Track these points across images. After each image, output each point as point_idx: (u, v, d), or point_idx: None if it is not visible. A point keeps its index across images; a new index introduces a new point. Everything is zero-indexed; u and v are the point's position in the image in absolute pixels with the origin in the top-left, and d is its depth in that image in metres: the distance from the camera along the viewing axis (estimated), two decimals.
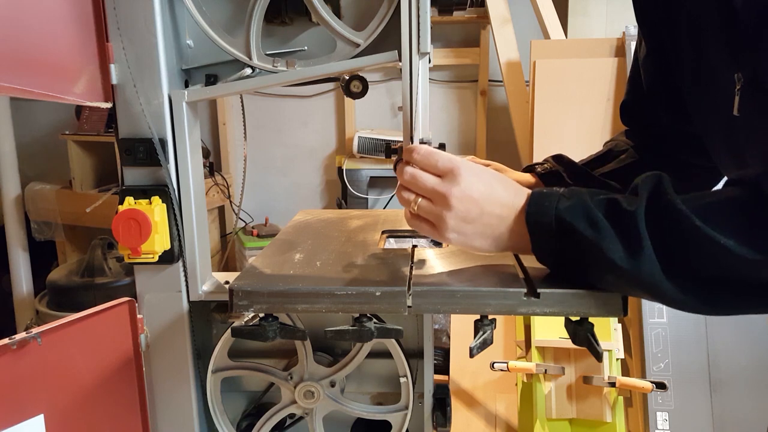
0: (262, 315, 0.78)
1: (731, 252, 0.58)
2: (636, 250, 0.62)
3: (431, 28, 0.78)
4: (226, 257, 3.18)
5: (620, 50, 2.21)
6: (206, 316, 0.94)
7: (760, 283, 0.60)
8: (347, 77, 0.84)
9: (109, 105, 0.84)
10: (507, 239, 0.70)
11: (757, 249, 0.58)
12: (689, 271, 0.62)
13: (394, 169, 0.77)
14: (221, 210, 3.20)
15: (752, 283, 0.60)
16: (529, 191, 0.70)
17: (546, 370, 1.52)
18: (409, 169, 0.72)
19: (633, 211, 0.63)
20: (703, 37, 0.73)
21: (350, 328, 0.76)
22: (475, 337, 0.74)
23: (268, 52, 0.85)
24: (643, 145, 0.98)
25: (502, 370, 1.54)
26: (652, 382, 1.46)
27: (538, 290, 0.69)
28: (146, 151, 0.84)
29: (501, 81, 2.51)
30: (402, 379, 0.89)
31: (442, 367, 1.98)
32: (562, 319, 0.76)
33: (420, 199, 0.71)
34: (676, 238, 0.61)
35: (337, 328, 0.77)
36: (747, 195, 0.61)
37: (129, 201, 0.83)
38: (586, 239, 0.64)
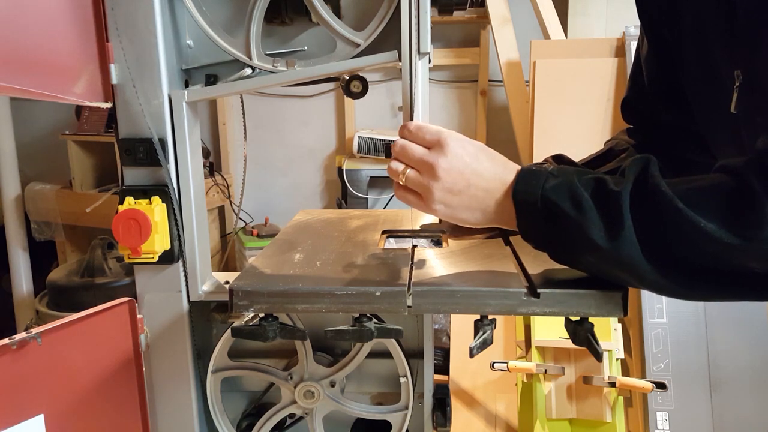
0: (262, 315, 0.78)
1: (711, 236, 0.58)
2: (617, 230, 0.62)
3: (431, 28, 0.78)
4: (226, 257, 3.18)
5: (620, 50, 2.20)
6: (206, 316, 0.94)
7: (735, 270, 0.60)
8: (347, 77, 0.84)
9: (109, 105, 0.84)
10: (494, 212, 0.70)
11: (737, 234, 0.58)
12: (669, 255, 0.62)
13: None
14: (221, 210, 3.20)
15: (730, 269, 0.61)
16: (519, 167, 0.71)
17: (546, 370, 1.52)
18: (399, 141, 0.73)
19: (618, 192, 0.63)
20: (705, 34, 0.73)
21: (350, 328, 0.76)
22: (475, 337, 0.74)
23: (268, 52, 0.85)
24: (644, 143, 0.97)
25: (502, 370, 1.54)
26: (652, 382, 1.46)
27: (538, 290, 0.69)
28: (146, 151, 0.84)
29: (501, 81, 2.51)
30: (402, 379, 0.89)
31: (442, 367, 1.97)
32: (562, 319, 0.76)
33: (409, 170, 0.71)
34: (658, 220, 0.61)
35: (337, 328, 0.77)
36: (732, 181, 0.61)
37: (129, 201, 0.83)
38: (569, 218, 0.64)
